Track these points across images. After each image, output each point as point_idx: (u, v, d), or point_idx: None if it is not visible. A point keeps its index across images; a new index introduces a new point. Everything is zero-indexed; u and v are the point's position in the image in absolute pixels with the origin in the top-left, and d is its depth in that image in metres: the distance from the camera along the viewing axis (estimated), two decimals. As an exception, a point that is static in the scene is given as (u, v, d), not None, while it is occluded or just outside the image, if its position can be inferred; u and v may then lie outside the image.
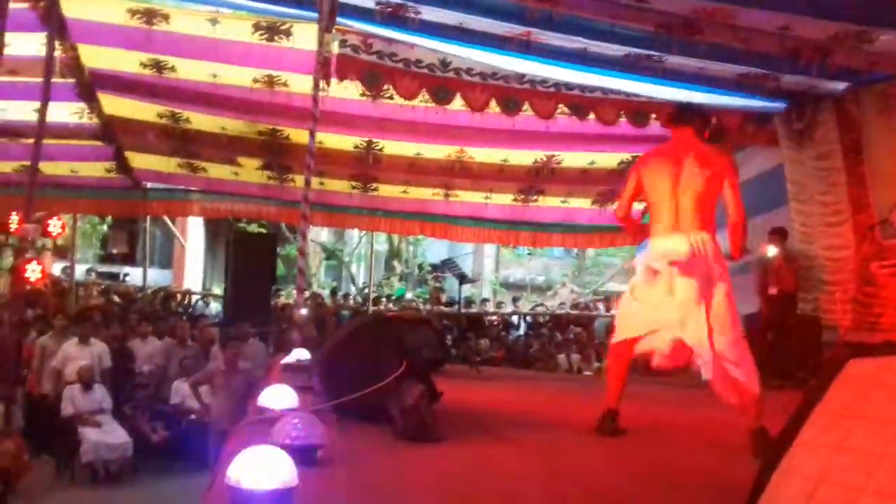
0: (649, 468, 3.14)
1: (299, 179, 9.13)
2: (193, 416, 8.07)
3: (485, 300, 16.45)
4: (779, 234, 7.98)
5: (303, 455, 2.34)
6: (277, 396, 3.01)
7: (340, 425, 3.09)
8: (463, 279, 8.47)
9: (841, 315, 7.56)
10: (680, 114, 3.98)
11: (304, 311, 6.91)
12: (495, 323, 14.20)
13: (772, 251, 7.91)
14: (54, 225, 7.05)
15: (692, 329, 3.39)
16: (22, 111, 8.39)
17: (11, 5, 5.87)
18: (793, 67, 7.02)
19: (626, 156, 10.54)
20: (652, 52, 6.90)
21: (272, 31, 7.79)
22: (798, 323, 7.79)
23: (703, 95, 7.85)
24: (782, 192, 8.52)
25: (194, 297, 15.25)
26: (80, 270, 14.86)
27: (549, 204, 11.83)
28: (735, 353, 3.40)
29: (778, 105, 8.14)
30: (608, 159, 10.38)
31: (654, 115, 8.61)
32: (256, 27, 7.76)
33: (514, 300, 16.84)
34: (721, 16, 6.03)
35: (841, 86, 7.64)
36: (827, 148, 7.92)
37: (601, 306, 15.04)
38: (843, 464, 1.14)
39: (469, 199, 11.92)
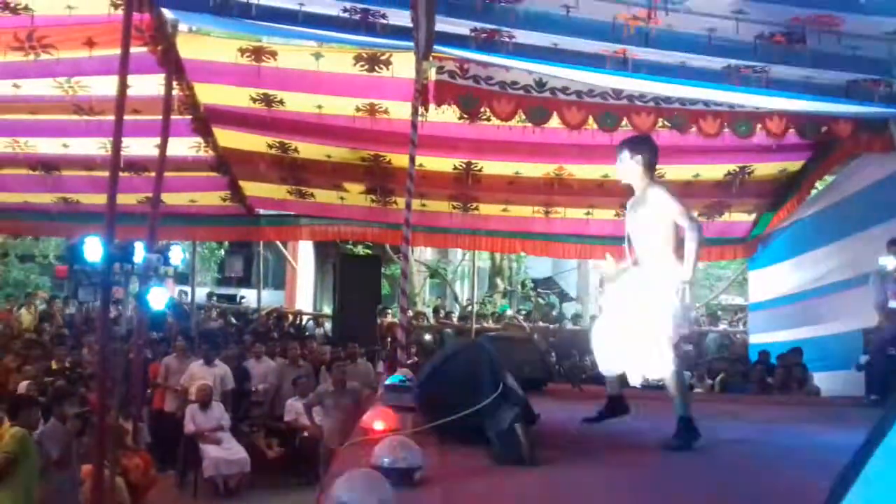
0: (742, 490, 3.09)
1: (401, 202, 9.36)
2: (306, 434, 8.37)
3: (593, 318, 16.26)
4: (899, 245, 7.58)
5: (401, 477, 2.45)
6: (380, 418, 3.13)
7: (440, 447, 3.18)
8: (563, 297, 8.44)
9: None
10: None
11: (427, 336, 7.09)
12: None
13: (891, 262, 7.52)
14: (174, 253, 7.49)
15: None
16: (144, 147, 8.97)
17: (132, 49, 6.31)
18: (905, 72, 6.70)
19: (732, 167, 10.30)
20: (754, 63, 6.74)
21: (372, 61, 8.08)
22: (922, 338, 7.36)
23: (810, 103, 7.59)
24: (900, 201, 8.12)
25: (305, 318, 15.78)
26: (200, 294, 15.66)
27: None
28: None
29: (892, 111, 7.75)
30: (713, 171, 10.17)
31: (759, 126, 8.40)
32: (357, 59, 8.08)
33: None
34: (824, 23, 5.83)
35: (959, 88, 7.21)
36: (947, 153, 7.50)
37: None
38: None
39: (570, 215, 11.89)
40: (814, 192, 10.86)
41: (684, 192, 10.69)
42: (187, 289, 14.89)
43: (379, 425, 3.06)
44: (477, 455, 3.25)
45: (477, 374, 3.43)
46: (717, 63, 6.84)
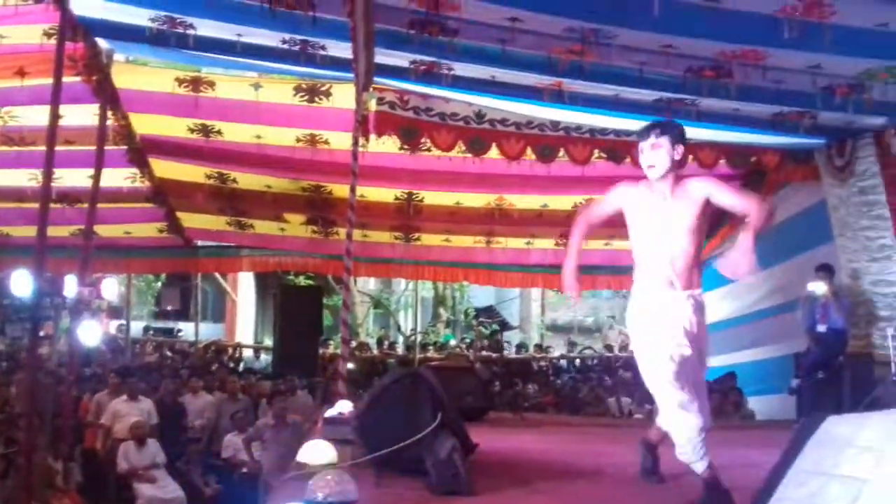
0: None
1: (343, 232, 9.33)
2: (245, 470, 8.19)
3: (538, 346, 16.35)
4: (826, 271, 7.86)
5: (337, 511, 2.42)
6: (316, 452, 3.10)
7: (378, 479, 3.15)
8: (504, 326, 8.51)
9: (893, 351, 7.39)
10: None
11: (349, 364, 7.04)
12: (543, 367, 14.12)
13: (820, 288, 7.80)
14: (107, 287, 7.31)
15: None
16: (77, 178, 8.77)
17: (65, 79, 6.20)
18: (828, 105, 7.00)
19: (666, 197, 10.55)
20: (684, 96, 6.96)
21: (313, 92, 8.09)
22: (849, 361, 7.63)
23: (739, 135, 7.87)
24: (827, 229, 8.43)
25: (245, 351, 15.51)
26: (136, 327, 15.28)
27: (593, 247, 11.83)
28: None
29: (817, 141, 8.09)
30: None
31: (691, 157, 8.64)
32: (297, 89, 8.08)
33: (572, 344, 16.60)
34: (749, 57, 6.07)
35: (879, 120, 7.55)
36: (869, 182, 7.82)
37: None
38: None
39: (511, 245, 12.05)
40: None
41: (620, 221, 10.95)
42: (123, 322, 14.51)
43: (316, 459, 3.03)
44: (415, 486, 3.24)
45: (416, 404, 3.43)
46: (649, 96, 7.05)
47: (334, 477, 2.52)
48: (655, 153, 3.65)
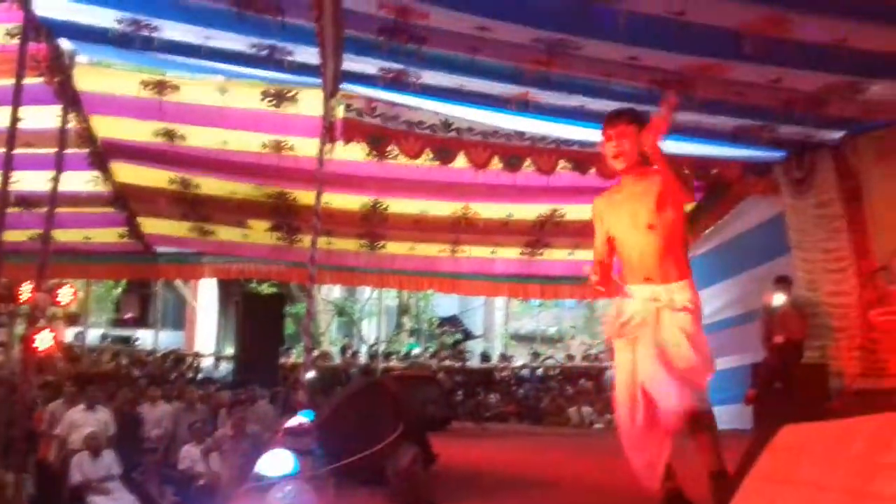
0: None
1: (308, 240, 9.28)
2: (202, 482, 8.05)
3: (503, 356, 16.35)
4: (784, 282, 8.02)
5: (298, 520, 2.38)
6: (276, 462, 3.05)
7: (338, 489, 3.12)
8: (467, 336, 8.51)
9: (847, 362, 7.56)
10: None
11: (311, 373, 6.98)
12: (506, 377, 14.14)
13: (777, 299, 7.94)
14: (64, 293, 7.15)
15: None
16: (37, 181, 8.57)
17: (26, 80, 6.06)
18: (788, 118, 7.15)
19: (629, 208, 10.67)
20: (649, 108, 7.03)
21: (279, 97, 8.02)
22: (805, 371, 7.77)
23: (701, 147, 7.98)
24: (785, 241, 8.59)
25: (204, 360, 15.30)
26: (94, 335, 14.98)
27: (556, 257, 11.93)
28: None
29: (777, 155, 8.25)
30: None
31: (654, 167, 8.75)
32: (264, 94, 8.00)
33: (535, 355, 16.64)
34: (712, 71, 6.17)
35: (838, 134, 7.75)
36: (827, 195, 8.00)
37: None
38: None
39: (476, 254, 12.06)
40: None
41: (584, 231, 11.05)
42: (80, 330, 14.23)
43: (276, 470, 2.98)
44: (375, 496, 3.21)
45: (377, 414, 3.41)
46: (613, 107, 7.10)
47: (293, 488, 2.48)
48: (622, 142, 3.44)
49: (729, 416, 9.57)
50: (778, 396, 7.53)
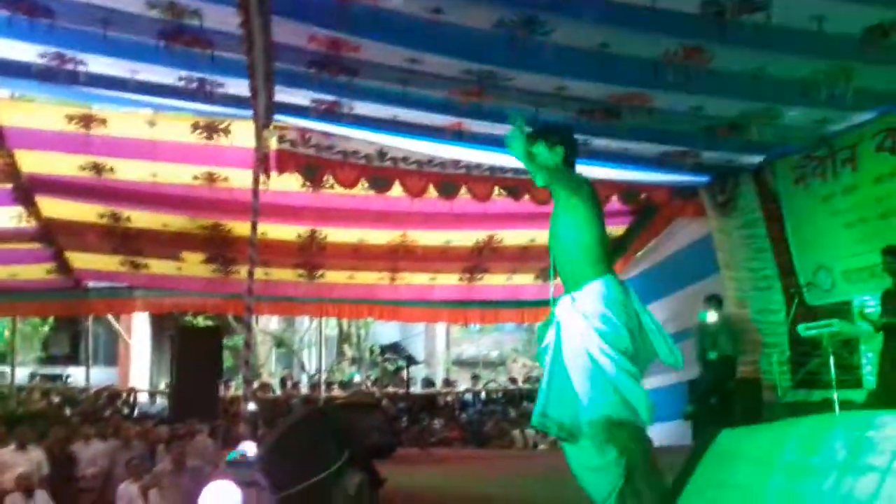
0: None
1: (244, 271, 9.14)
2: (141, 521, 7.83)
3: (445, 381, 16.34)
4: (715, 301, 8.27)
5: (241, 556, 2.38)
6: (220, 495, 3.03)
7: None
8: (410, 361, 8.54)
9: (779, 376, 7.81)
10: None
11: (251, 405, 6.88)
12: (449, 402, 14.16)
13: (709, 317, 8.18)
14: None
15: None
16: (-41, 218, 8.35)
17: (-54, 116, 5.93)
18: (710, 144, 7.44)
19: (563, 232, 10.89)
20: (577, 136, 7.22)
21: (211, 129, 7.98)
22: (739, 386, 8.01)
23: (629, 173, 8.22)
24: (714, 260, 8.88)
25: (141, 395, 14.90)
26: (22, 374, 14.47)
27: (495, 282, 12.07)
28: None
29: (701, 179, 8.54)
30: (546, 236, 10.68)
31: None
32: (195, 127, 7.95)
33: (476, 378, 16.67)
34: (636, 100, 6.40)
35: (757, 158, 8.07)
36: (750, 217, 8.32)
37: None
38: (709, 530, 1.27)
39: (415, 281, 12.12)
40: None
41: (521, 256, 11.25)
42: (6, 369, 13.72)
43: (220, 501, 2.95)
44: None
45: (322, 441, 3.41)
46: (545, 136, 7.29)
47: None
48: (533, 162, 3.46)
49: (668, 432, 9.82)
50: (714, 411, 7.74)
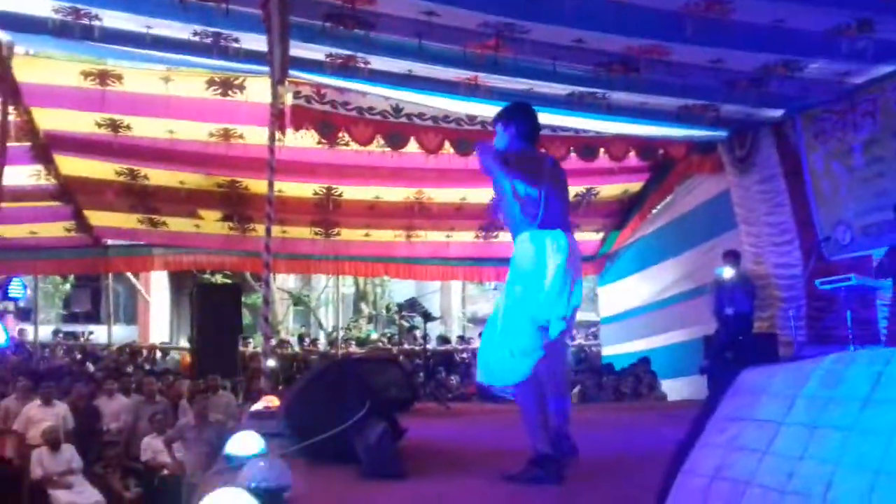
0: (591, 484, 3.28)
1: (261, 229, 9.20)
2: (166, 472, 8.01)
3: (461, 338, 16.45)
4: (732, 257, 8.24)
5: (270, 497, 2.44)
6: (244, 443, 3.10)
7: (309, 468, 3.17)
8: (427, 318, 8.59)
9: (796, 331, 7.83)
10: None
11: (271, 361, 6.98)
12: (465, 359, 14.26)
13: (726, 273, 8.17)
14: (14, 287, 7.02)
15: None
16: (-22, 176, 8.38)
17: (-37, 73, 5.94)
18: (729, 97, 7.35)
19: (579, 188, 10.86)
20: (595, 90, 7.18)
21: (226, 85, 7.95)
22: (755, 341, 8.02)
23: (646, 128, 8.15)
24: (731, 217, 8.85)
25: (162, 352, 15.10)
26: (44, 331, 14.69)
27: (511, 239, 12.04)
28: None
29: (720, 134, 8.47)
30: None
31: (602, 150, 8.92)
32: (210, 83, 7.93)
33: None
34: (655, 52, 6.32)
35: (778, 112, 7.99)
36: (769, 172, 8.25)
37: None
38: (733, 461, 1.30)
39: (431, 238, 12.15)
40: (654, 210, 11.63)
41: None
42: (29, 326, 13.94)
43: (244, 450, 3.02)
44: (346, 472, 3.27)
45: (343, 392, 3.46)
46: (562, 90, 7.24)
47: (266, 464, 2.54)
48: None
49: (682, 387, 9.90)
50: (730, 366, 7.77)
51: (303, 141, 8.53)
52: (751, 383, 1.45)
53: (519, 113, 3.74)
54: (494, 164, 3.48)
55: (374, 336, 17.04)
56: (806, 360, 1.49)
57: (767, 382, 1.41)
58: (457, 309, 21.57)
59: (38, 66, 7.78)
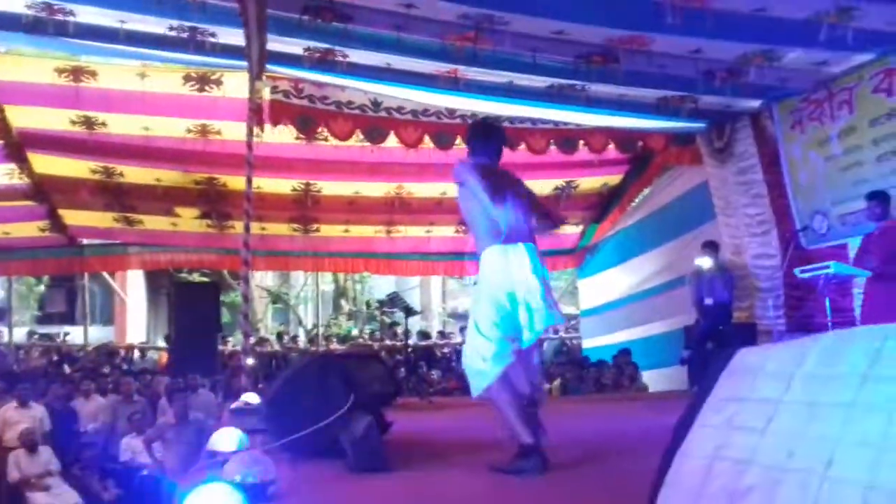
0: (576, 474, 3.28)
1: (239, 226, 9.15)
2: (146, 472, 7.93)
3: (441, 333, 16.44)
4: (711, 247, 8.28)
5: (255, 492, 2.40)
6: (227, 439, 3.05)
7: (293, 462, 3.14)
8: (409, 312, 8.56)
9: (775, 320, 7.89)
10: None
11: (251, 359, 6.92)
12: (447, 354, 14.25)
13: (705, 263, 8.21)
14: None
15: None
16: (-51, 176, 8.26)
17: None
18: (708, 88, 7.37)
19: (559, 181, 10.88)
20: (574, 82, 7.18)
21: (203, 81, 7.86)
22: (735, 330, 8.07)
23: (626, 120, 8.17)
24: (710, 208, 8.89)
25: (140, 351, 14.94)
26: (18, 333, 14.48)
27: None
28: None
29: (698, 125, 8.50)
30: (542, 186, 10.68)
31: (582, 142, 8.92)
32: (186, 78, 7.84)
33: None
34: (635, 43, 6.32)
35: (755, 103, 8.02)
36: (747, 162, 8.30)
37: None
38: (732, 441, 1.29)
39: (411, 233, 12.10)
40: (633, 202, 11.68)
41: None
42: (3, 328, 13.73)
43: (227, 446, 2.98)
44: (331, 466, 3.24)
45: (326, 387, 3.43)
46: (541, 82, 7.23)
47: (250, 458, 2.50)
48: None
49: (663, 378, 9.95)
50: (710, 356, 7.81)
51: (281, 136, 8.44)
52: (747, 363, 1.44)
53: (484, 130, 4.15)
54: (473, 178, 3.61)
55: (355, 332, 16.98)
56: (803, 339, 1.49)
57: (764, 362, 1.40)
58: (437, 304, 21.56)
59: (10, 63, 7.66)
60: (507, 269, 3.55)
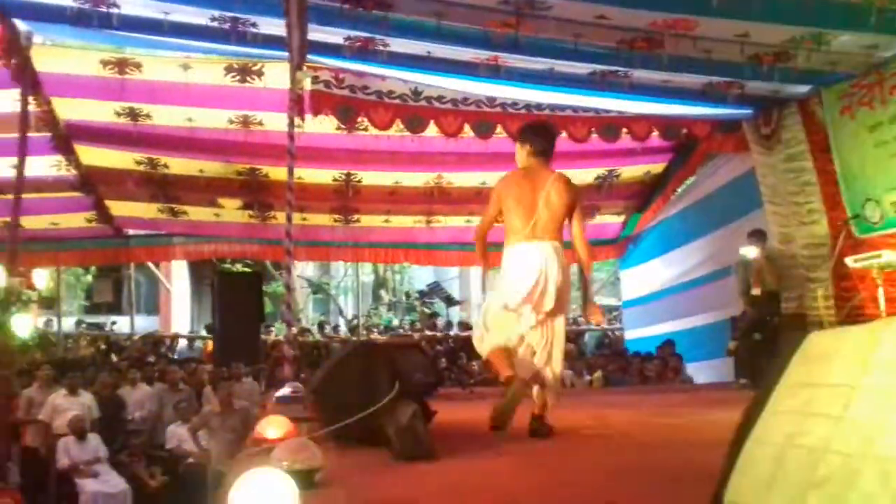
0: (632, 464, 3.23)
1: (281, 216, 9.19)
2: (191, 459, 8.05)
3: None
4: (758, 236, 8.11)
5: (302, 478, 2.39)
6: (274, 426, 3.06)
7: (339, 450, 3.14)
8: (450, 302, 8.54)
9: (824, 311, 7.69)
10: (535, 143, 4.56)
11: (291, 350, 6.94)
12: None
13: (752, 252, 8.04)
14: (39, 277, 7.04)
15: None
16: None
17: (-18, 64, 5.93)
18: (755, 73, 7.20)
19: (601, 170, 10.74)
20: (617, 68, 7.06)
21: (244, 72, 7.90)
22: (783, 321, 7.90)
23: (670, 107, 8.02)
24: (756, 196, 8.70)
25: (182, 341, 15.19)
26: (67, 323, 14.80)
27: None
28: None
29: (745, 111, 8.31)
30: (583, 175, 10.56)
31: (624, 130, 8.79)
32: (228, 69, 7.88)
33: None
34: (680, 27, 6.19)
35: (804, 88, 7.82)
36: (796, 149, 8.10)
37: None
38: (806, 428, 1.24)
39: (451, 223, 12.05)
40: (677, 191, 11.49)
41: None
42: (52, 317, 14.04)
43: (274, 433, 2.99)
44: (376, 453, 3.24)
45: (373, 374, 3.42)
46: (583, 69, 7.13)
47: (298, 444, 2.49)
48: None
49: (708, 370, 9.80)
50: (758, 348, 7.66)
51: (321, 126, 8.47)
52: (820, 348, 1.38)
53: (533, 131, 4.71)
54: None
55: (395, 323, 17.03)
56: (875, 323, 1.42)
57: (838, 346, 1.34)
58: (476, 295, 21.51)
59: (56, 55, 7.75)
60: (525, 261, 4.36)
